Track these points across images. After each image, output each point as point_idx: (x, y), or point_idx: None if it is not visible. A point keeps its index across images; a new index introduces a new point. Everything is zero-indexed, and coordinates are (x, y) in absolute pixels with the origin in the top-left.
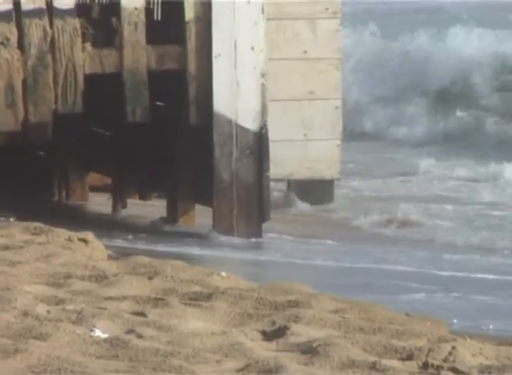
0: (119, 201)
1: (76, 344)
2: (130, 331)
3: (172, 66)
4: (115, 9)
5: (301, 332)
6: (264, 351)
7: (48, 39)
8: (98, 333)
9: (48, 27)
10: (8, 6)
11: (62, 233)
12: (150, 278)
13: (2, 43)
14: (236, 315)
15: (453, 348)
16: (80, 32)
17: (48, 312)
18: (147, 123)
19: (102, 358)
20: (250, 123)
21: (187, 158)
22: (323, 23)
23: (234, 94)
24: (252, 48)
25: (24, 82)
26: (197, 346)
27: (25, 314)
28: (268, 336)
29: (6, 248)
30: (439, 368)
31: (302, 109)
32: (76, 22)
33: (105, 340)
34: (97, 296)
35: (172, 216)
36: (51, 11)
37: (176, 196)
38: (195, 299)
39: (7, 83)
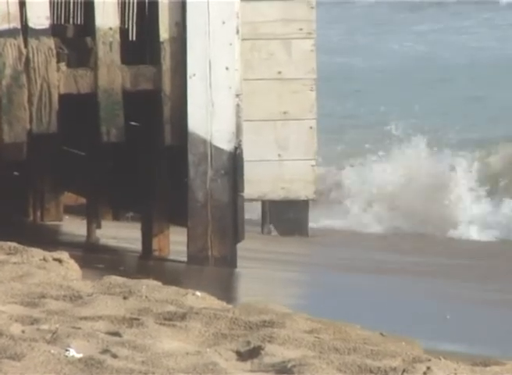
0: (93, 221)
1: (51, 364)
2: (105, 351)
3: (147, 87)
4: (89, 29)
5: (276, 352)
6: (239, 371)
7: (23, 59)
8: (73, 352)
9: (22, 47)
10: None
11: (37, 253)
12: (124, 298)
13: None
14: (210, 335)
15: (428, 368)
16: (54, 52)
17: (23, 331)
18: (122, 143)
19: None
20: (224, 143)
21: (162, 178)
22: (297, 44)
23: (209, 115)
24: (227, 68)
25: None
26: (172, 366)
27: None
28: (242, 356)
29: None
30: None
31: (276, 130)
32: (50, 42)
33: (80, 360)
34: (71, 316)
35: (147, 235)
36: (25, 31)
37: (150, 216)
38: (169, 319)
39: None
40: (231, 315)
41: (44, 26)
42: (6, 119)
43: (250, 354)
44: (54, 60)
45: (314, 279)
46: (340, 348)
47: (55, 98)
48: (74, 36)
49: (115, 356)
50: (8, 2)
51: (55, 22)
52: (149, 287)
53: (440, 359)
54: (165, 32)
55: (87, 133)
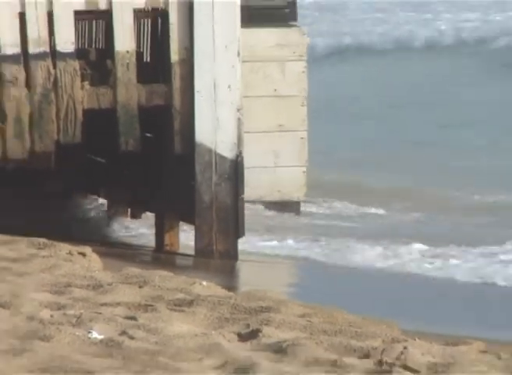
0: (113, 219)
1: (76, 344)
2: (123, 333)
3: (160, 103)
4: (109, 53)
5: (272, 334)
6: (240, 350)
7: (52, 79)
8: (95, 335)
9: (51, 68)
10: (17, 49)
11: (64, 248)
12: (140, 287)
13: (12, 82)
14: (214, 319)
15: (405, 347)
16: (79, 72)
17: (51, 316)
18: (138, 152)
19: (98, 357)
20: (227, 152)
21: (172, 183)
22: (291, 65)
23: (214, 127)
24: (229, 87)
25: (30, 116)
26: (181, 346)
27: (31, 318)
28: (243, 337)
29: (15, 260)
30: (391, 365)
31: (273, 140)
32: (76, 64)
33: (101, 341)
34: (94, 302)
35: (159, 232)
36: (54, 54)
37: (163, 215)
38: (179, 305)
39: (16, 116)
40: (233, 301)
41: (70, 50)
42: (37, 132)
43: (249, 336)
44: (78, 80)
45: (305, 269)
46: (328, 330)
47: (80, 113)
48: (96, 58)
49: (131, 338)
50: (39, 29)
51: (80, 46)
52: (161, 277)
53: (415, 340)
54: (175, 55)
55: (107, 144)
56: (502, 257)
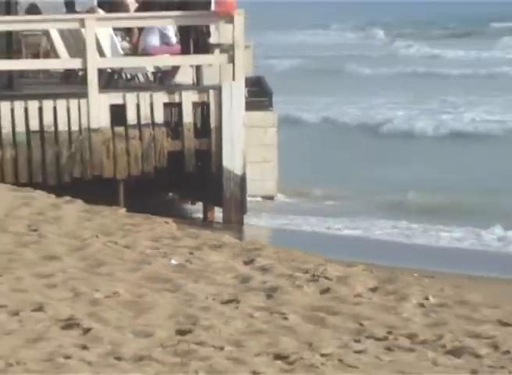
0: (184, 204)
1: (163, 266)
2: (187, 261)
3: (205, 148)
4: (180, 123)
5: (260, 261)
6: (244, 269)
7: (152, 135)
8: (173, 261)
9: (151, 130)
10: (135, 121)
11: (158, 219)
12: (195, 238)
13: (134, 138)
14: (232, 254)
15: (325, 269)
16: (165, 132)
17: (151, 252)
18: (195, 172)
19: (175, 273)
20: (238, 171)
21: (211, 187)
22: (270, 130)
23: (231, 159)
24: (239, 140)
25: (142, 154)
26: (215, 267)
27: (141, 253)
28: (246, 263)
29: (134, 225)
30: (318, 276)
31: (261, 166)
32: (164, 128)
33: (176, 265)
34: (172, 246)
35: (205, 211)
36: (153, 124)
37: (207, 203)
38: (214, 247)
39: (135, 155)
40: (241, 245)
41: (161, 122)
42: (146, 162)
43: (249, 262)
44: (165, 136)
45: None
46: (288, 259)
47: (166, 152)
48: (173, 125)
49: (191, 263)
50: (145, 112)
51: (165, 120)
52: (205, 233)
53: (331, 263)
54: (212, 124)
55: (180, 169)
56: None
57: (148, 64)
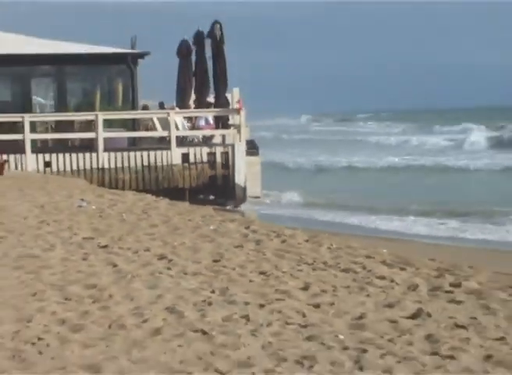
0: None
1: (197, 230)
2: (218, 227)
3: (226, 174)
4: (212, 162)
5: (253, 227)
6: (250, 233)
7: (201, 166)
8: (211, 227)
9: (201, 165)
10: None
11: (203, 209)
12: (231, 221)
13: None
14: (238, 224)
15: (283, 231)
16: (207, 166)
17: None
18: (221, 185)
19: (212, 233)
20: (242, 184)
21: (230, 192)
22: (255, 164)
23: (239, 177)
24: (243, 168)
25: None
26: (228, 231)
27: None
28: (248, 228)
29: (178, 213)
30: (280, 235)
31: (252, 182)
32: (207, 164)
33: (212, 230)
34: (214, 219)
35: (224, 205)
36: (202, 162)
37: (226, 201)
38: (228, 220)
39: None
40: (243, 219)
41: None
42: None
43: (247, 228)
44: (207, 166)
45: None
46: (266, 227)
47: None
48: (212, 163)
49: (220, 228)
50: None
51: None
52: (227, 214)
53: (287, 229)
54: (230, 162)
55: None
56: None
57: (199, 134)
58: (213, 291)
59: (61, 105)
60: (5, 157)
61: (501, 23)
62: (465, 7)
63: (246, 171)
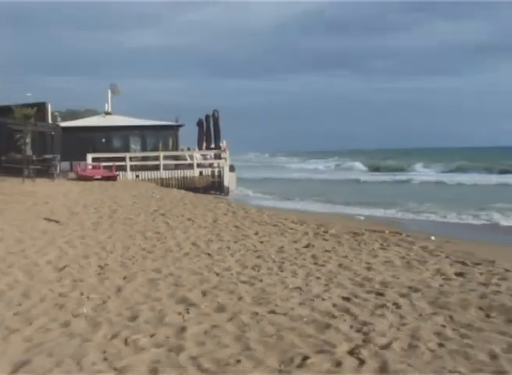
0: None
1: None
2: (215, 207)
3: (219, 181)
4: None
5: (234, 206)
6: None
7: (207, 176)
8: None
9: (207, 176)
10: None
11: (210, 198)
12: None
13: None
14: (226, 210)
15: (251, 208)
16: (209, 176)
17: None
18: (217, 186)
19: (214, 209)
20: (227, 185)
21: (222, 189)
22: (234, 178)
23: (226, 183)
24: (227, 174)
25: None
26: (218, 212)
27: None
28: (229, 205)
29: (191, 202)
30: (248, 210)
31: (231, 184)
32: (210, 176)
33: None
34: (209, 208)
35: (219, 194)
36: (207, 174)
37: (220, 193)
38: (212, 209)
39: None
40: (228, 202)
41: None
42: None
43: (229, 206)
44: (210, 177)
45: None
46: (243, 206)
47: (210, 181)
48: (211, 175)
49: (216, 207)
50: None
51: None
52: (220, 200)
53: (252, 208)
54: (221, 174)
55: (213, 185)
56: None
57: (207, 162)
58: (213, 235)
59: (143, 149)
60: (117, 172)
61: None
62: None
63: (229, 179)
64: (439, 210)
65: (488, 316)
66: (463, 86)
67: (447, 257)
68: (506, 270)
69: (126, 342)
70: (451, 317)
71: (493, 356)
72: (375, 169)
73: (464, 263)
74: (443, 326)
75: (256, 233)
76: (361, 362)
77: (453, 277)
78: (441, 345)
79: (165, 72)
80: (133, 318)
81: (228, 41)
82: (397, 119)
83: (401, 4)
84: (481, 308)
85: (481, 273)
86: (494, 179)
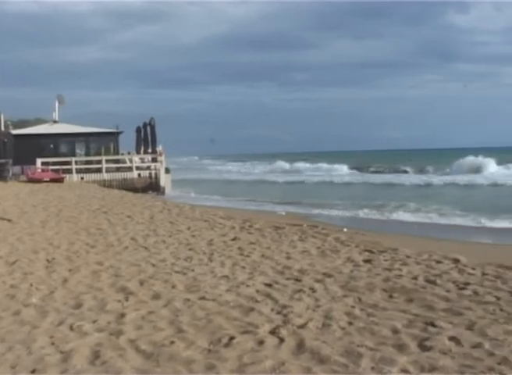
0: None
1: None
2: (151, 205)
3: (156, 182)
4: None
5: (169, 203)
6: (165, 206)
7: (145, 177)
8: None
9: (145, 177)
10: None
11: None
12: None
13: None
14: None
15: (185, 205)
16: (147, 178)
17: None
18: (154, 186)
19: (155, 206)
20: (163, 185)
21: (158, 189)
22: (169, 178)
23: (162, 183)
24: (162, 175)
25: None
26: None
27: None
28: (164, 203)
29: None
30: (182, 207)
31: (167, 184)
32: (148, 178)
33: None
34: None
35: (157, 194)
36: (145, 176)
37: (157, 193)
38: (149, 207)
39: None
40: (164, 200)
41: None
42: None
43: (165, 203)
44: (148, 179)
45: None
46: (175, 204)
47: (147, 182)
48: (149, 176)
49: (153, 206)
50: None
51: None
52: (156, 199)
53: (186, 205)
54: (158, 176)
55: (150, 186)
56: None
57: (145, 165)
58: (150, 230)
59: (87, 154)
60: (64, 175)
61: None
62: None
63: (165, 180)
64: (348, 206)
65: (391, 296)
66: (361, 96)
67: (357, 246)
68: (407, 256)
69: (71, 328)
70: (359, 299)
71: (395, 331)
72: (295, 170)
73: (371, 251)
74: (353, 306)
75: (188, 228)
76: (281, 340)
77: (362, 264)
78: (350, 323)
79: (105, 83)
80: (78, 306)
81: (162, 55)
82: (314, 126)
83: (314, 24)
84: (385, 290)
85: (385, 260)
86: (379, 179)
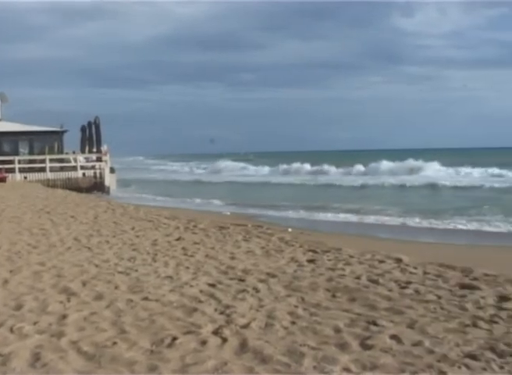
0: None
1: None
2: (96, 205)
3: (101, 181)
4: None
5: (113, 203)
6: (109, 205)
7: (90, 177)
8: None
9: (90, 177)
10: None
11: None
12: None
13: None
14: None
15: (129, 205)
16: (92, 177)
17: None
18: (99, 186)
19: (103, 206)
20: (108, 185)
21: (103, 189)
22: (114, 177)
23: (108, 181)
24: (109, 174)
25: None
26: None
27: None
28: (108, 203)
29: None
30: (126, 207)
31: (111, 183)
32: (92, 177)
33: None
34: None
35: (102, 194)
36: (89, 175)
37: (102, 193)
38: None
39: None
40: (108, 201)
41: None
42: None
43: (109, 203)
44: (92, 178)
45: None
46: (120, 204)
47: (92, 182)
48: (93, 176)
49: (97, 206)
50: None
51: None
52: (102, 199)
53: (130, 205)
54: (103, 175)
55: (95, 186)
56: None
57: (89, 164)
58: (93, 230)
59: (30, 153)
60: (7, 174)
61: None
62: None
63: (110, 180)
64: (292, 207)
65: (334, 296)
66: (310, 97)
67: (301, 246)
68: (351, 256)
69: (11, 330)
70: (303, 298)
71: (337, 330)
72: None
73: (315, 251)
74: (296, 306)
75: (133, 228)
76: (224, 340)
77: (306, 264)
78: (293, 323)
79: (50, 81)
80: (18, 307)
81: (108, 53)
82: (264, 126)
83: (262, 24)
84: (328, 290)
85: (329, 260)
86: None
